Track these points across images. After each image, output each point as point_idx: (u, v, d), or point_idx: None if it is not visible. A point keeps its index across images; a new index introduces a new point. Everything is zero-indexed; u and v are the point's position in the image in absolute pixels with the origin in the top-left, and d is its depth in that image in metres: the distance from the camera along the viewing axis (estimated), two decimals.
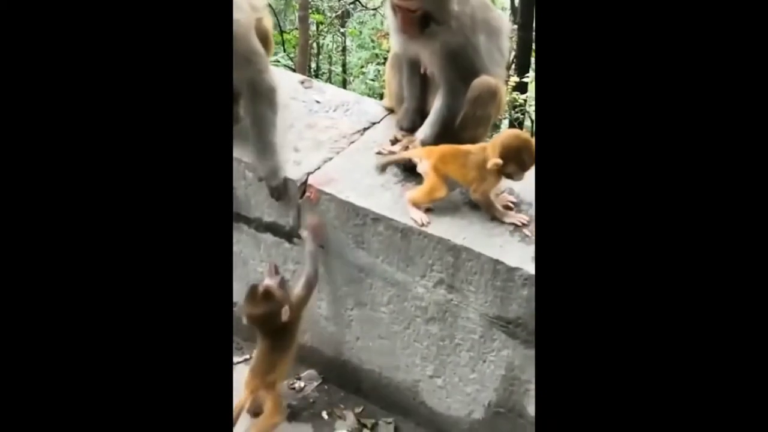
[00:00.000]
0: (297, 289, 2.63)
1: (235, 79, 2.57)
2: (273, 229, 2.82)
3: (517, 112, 9.79)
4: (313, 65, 13.00)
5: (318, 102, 3.07)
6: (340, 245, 2.63)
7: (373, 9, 14.19)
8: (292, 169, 2.67)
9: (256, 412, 2.63)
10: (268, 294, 2.51)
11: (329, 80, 12.68)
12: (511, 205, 2.55)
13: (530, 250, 2.36)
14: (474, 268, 2.40)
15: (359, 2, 14.30)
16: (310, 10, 11.84)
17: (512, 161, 2.41)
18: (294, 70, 8.17)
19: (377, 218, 2.51)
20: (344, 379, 2.90)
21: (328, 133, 2.88)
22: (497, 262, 2.35)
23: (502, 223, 2.47)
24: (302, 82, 3.23)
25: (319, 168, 2.70)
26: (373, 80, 12.37)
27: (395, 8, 2.55)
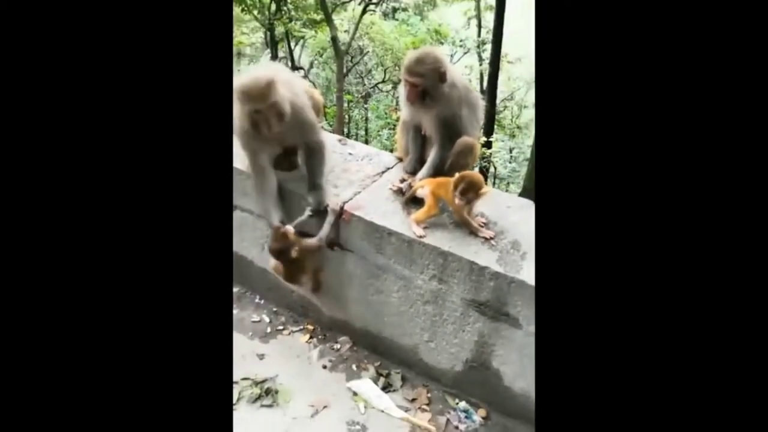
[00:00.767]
0: (309, 240, 2.58)
1: (297, 139, 2.58)
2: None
3: (484, 162, 10.03)
4: (346, 129, 13.11)
5: (350, 154, 3.08)
6: (364, 251, 2.63)
7: (386, 92, 14.35)
8: (332, 199, 2.67)
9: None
10: (284, 235, 2.50)
11: (357, 139, 12.82)
12: (483, 223, 2.55)
13: (495, 254, 2.37)
14: (457, 267, 2.41)
15: (378, 87, 14.45)
16: (344, 92, 12.03)
17: (467, 191, 2.40)
18: (333, 132, 8.22)
19: (391, 233, 2.51)
20: (367, 343, 2.89)
21: (358, 175, 2.89)
22: (473, 263, 2.36)
23: (477, 236, 2.48)
24: (339, 140, 3.24)
25: (351, 198, 2.70)
26: (387, 140, 12.45)
27: (405, 82, 2.57)
